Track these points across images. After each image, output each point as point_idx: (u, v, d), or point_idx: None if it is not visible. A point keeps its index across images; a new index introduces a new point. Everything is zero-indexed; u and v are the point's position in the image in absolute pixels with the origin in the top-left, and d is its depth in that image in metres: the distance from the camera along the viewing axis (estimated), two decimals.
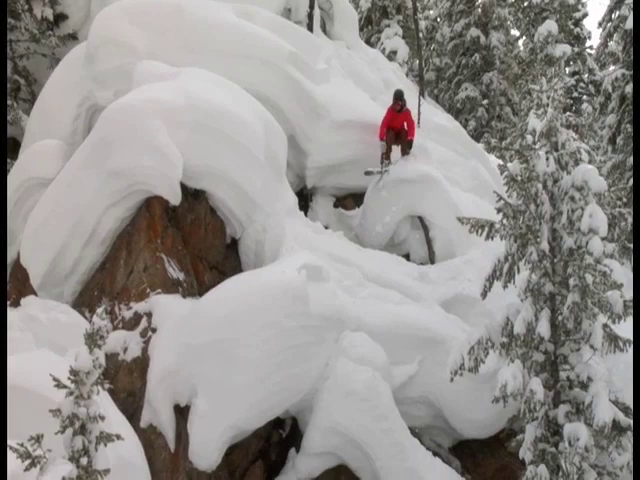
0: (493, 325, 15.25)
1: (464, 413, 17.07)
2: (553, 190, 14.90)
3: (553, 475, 13.76)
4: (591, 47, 41.09)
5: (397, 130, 20.96)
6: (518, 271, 15.04)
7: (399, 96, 20.89)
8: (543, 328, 14.15)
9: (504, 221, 15.16)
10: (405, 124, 20.95)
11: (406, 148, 20.88)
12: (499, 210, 15.24)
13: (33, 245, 18.54)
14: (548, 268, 14.71)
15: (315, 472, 16.31)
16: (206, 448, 15.50)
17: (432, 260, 19.85)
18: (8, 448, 10.57)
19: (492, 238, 15.42)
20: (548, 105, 15.27)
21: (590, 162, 15.44)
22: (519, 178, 14.91)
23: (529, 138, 15.36)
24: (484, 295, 15.52)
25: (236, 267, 18.48)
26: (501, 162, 17.62)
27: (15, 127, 23.28)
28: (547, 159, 14.90)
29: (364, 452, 16.04)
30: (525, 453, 14.14)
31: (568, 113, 20.70)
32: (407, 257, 20.12)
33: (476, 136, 34.16)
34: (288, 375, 15.95)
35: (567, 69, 38.88)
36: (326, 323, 16.56)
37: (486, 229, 15.44)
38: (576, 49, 38.74)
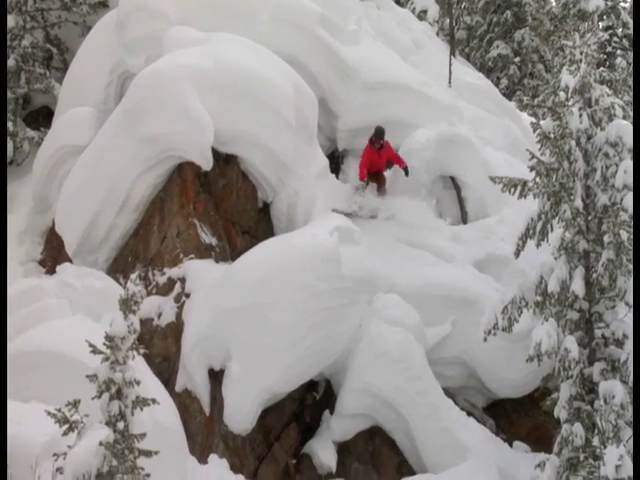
0: (527, 284, 15.18)
1: (498, 373, 17.06)
2: (587, 147, 14.76)
3: (588, 433, 13.72)
4: (625, 0, 40.54)
5: (378, 171, 19.35)
6: (551, 229, 14.93)
7: (380, 134, 18.90)
8: (577, 286, 14.07)
9: (537, 179, 15.04)
10: (390, 161, 19.30)
11: (384, 186, 19.44)
12: (532, 168, 15.11)
13: (67, 213, 18.65)
14: (582, 225, 14.61)
15: (349, 434, 16.37)
16: (240, 411, 15.61)
17: (465, 220, 19.74)
18: (47, 413, 10.66)
19: (525, 197, 15.30)
20: (581, 61, 15.09)
21: (624, 118, 15.26)
22: (552, 135, 14.78)
23: (562, 95, 15.21)
24: (517, 254, 15.44)
25: (268, 231, 18.49)
26: (534, 120, 17.41)
27: (48, 96, 23.39)
28: (580, 115, 14.75)
29: (398, 413, 16.07)
30: (560, 411, 14.10)
31: (602, 68, 20.51)
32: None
33: (508, 94, 33.81)
34: (321, 337, 16.01)
35: (600, 24, 38.34)
36: (358, 285, 16.57)
37: (519, 188, 15.32)
38: (610, 3, 38.18)
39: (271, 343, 15.64)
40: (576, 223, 14.54)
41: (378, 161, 19.06)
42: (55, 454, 10.64)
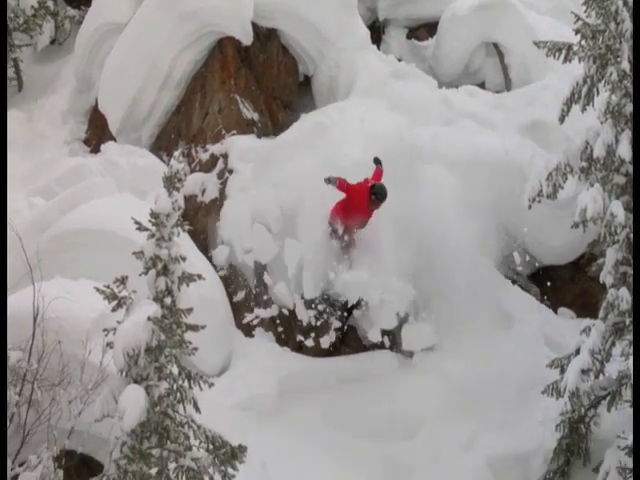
0: (572, 150, 14.96)
1: (543, 240, 17.00)
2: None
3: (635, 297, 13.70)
4: None
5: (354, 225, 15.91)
6: (597, 93, 14.61)
7: (384, 197, 15.33)
8: (624, 149, 13.83)
9: (582, 42, 14.66)
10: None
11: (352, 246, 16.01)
12: (577, 31, 14.72)
13: (110, 91, 18.71)
14: (629, 88, 14.31)
15: None
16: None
17: (508, 87, 19.48)
18: (95, 290, 10.82)
19: (570, 61, 14.96)
20: None
21: None
22: None
23: None
24: (562, 120, 15.17)
25: (310, 105, 18.43)
26: None
27: None
28: None
29: None
30: (606, 277, 14.02)
31: None
32: (482, 86, 19.74)
33: None
34: None
35: None
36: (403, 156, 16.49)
37: (563, 52, 14.96)
38: None
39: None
40: (622, 86, 14.22)
41: (364, 217, 15.69)
42: (105, 329, 10.80)
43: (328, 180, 15.10)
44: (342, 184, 15.13)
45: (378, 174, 15.64)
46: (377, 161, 15.75)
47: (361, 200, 15.22)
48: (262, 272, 16.03)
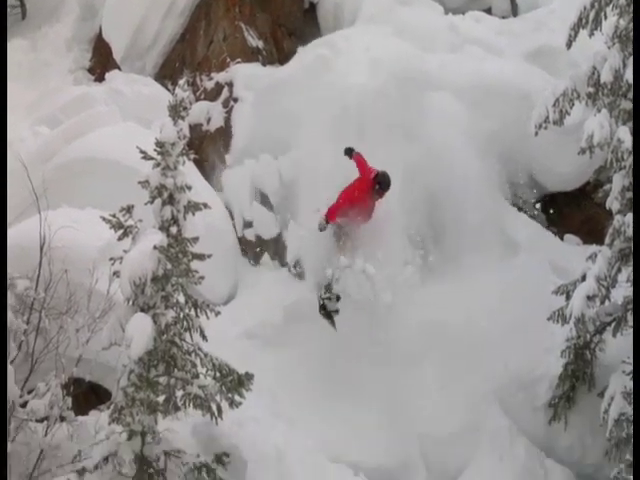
0: (579, 75, 14.80)
1: (549, 167, 16.93)
2: None
3: None
4: None
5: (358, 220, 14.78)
6: (605, 17, 14.42)
7: (388, 186, 14.56)
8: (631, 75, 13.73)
9: None
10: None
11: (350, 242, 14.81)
12: None
13: (114, 19, 18.63)
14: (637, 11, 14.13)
15: None
16: None
17: (515, 13, 19.27)
18: (101, 219, 10.83)
19: None
20: None
21: None
22: None
23: None
24: (569, 45, 14.98)
25: (315, 33, 18.28)
26: None
27: None
28: None
29: None
30: (612, 203, 13.97)
31: None
32: (489, 12, 19.51)
33: None
34: None
35: None
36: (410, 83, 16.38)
37: None
38: None
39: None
40: (631, 10, 14.06)
41: (368, 208, 14.67)
42: (111, 258, 10.86)
43: (349, 150, 14.69)
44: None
45: (362, 162, 14.72)
46: (349, 151, 14.87)
47: (366, 188, 14.47)
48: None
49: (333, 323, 14.45)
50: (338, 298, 14.39)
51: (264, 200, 16.12)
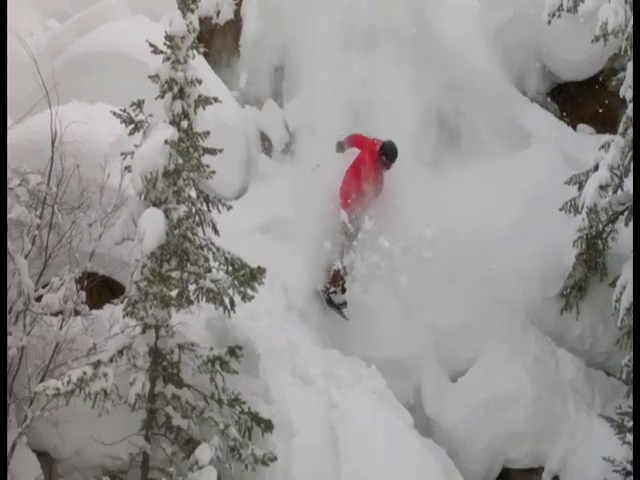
0: None
1: (563, 55, 16.71)
2: None
3: None
4: None
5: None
6: None
7: (395, 156, 14.16)
8: None
9: None
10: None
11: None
12: None
13: None
14: None
15: None
16: None
17: None
18: (112, 113, 10.79)
19: None
20: None
21: None
22: None
23: None
24: None
25: None
26: None
27: None
28: None
29: None
30: (626, 91, 13.83)
31: None
32: None
33: None
34: None
35: None
36: None
37: None
38: None
39: None
40: None
41: (376, 182, 14.17)
42: (123, 153, 10.85)
43: (339, 145, 14.38)
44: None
45: (359, 139, 14.33)
46: (339, 145, 14.50)
47: (372, 162, 14.02)
48: None
49: (343, 315, 14.27)
50: (344, 291, 14.22)
51: None
